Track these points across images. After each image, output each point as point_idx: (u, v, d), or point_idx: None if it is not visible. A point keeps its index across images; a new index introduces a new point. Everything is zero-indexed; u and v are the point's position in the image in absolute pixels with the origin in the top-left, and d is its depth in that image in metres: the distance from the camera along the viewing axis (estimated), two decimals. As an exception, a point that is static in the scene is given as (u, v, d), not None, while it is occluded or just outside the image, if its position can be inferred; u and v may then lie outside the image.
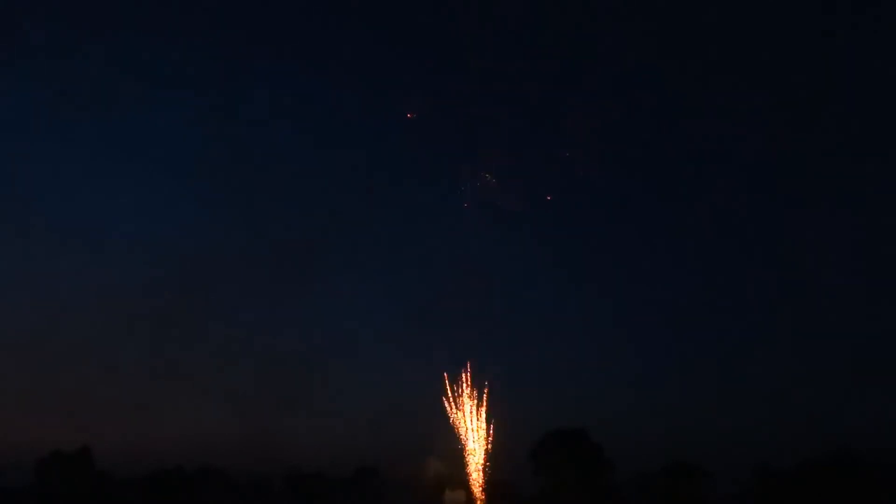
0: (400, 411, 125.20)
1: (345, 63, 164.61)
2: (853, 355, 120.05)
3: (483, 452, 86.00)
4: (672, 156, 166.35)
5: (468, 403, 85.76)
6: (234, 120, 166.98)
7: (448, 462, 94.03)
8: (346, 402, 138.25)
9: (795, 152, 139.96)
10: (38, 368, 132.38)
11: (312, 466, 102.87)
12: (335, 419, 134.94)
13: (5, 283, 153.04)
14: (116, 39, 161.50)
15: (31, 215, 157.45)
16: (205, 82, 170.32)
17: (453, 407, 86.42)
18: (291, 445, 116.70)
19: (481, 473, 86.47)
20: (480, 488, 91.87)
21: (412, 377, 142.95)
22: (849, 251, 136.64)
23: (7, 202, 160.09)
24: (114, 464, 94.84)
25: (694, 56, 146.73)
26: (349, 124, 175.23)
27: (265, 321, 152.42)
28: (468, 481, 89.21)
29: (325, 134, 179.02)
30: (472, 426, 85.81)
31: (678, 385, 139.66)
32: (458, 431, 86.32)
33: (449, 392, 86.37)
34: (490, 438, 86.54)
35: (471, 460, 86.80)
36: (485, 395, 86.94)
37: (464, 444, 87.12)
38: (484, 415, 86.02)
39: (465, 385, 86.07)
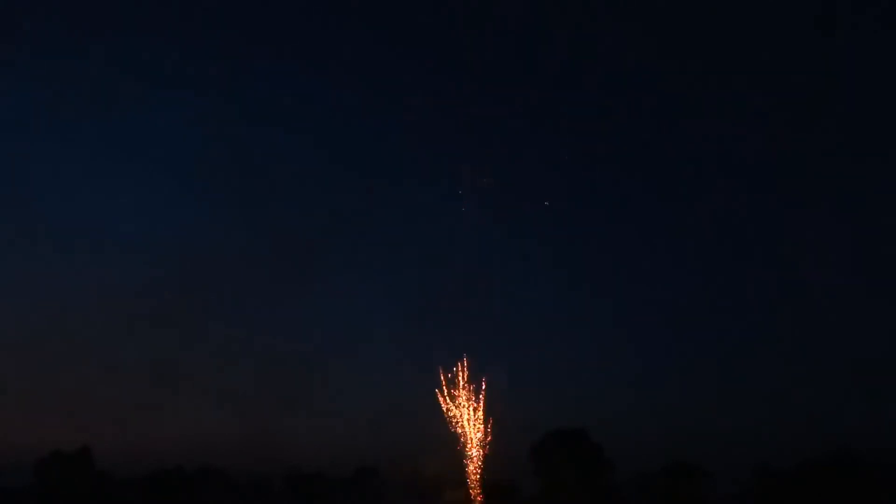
0: (400, 411, 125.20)
1: (345, 63, 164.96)
2: (853, 355, 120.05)
3: (477, 446, 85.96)
4: (672, 156, 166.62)
5: (464, 397, 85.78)
6: (234, 120, 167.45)
7: (447, 461, 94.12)
8: (346, 402, 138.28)
9: (795, 152, 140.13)
10: (38, 368, 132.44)
11: (312, 466, 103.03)
12: (335, 419, 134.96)
13: (5, 283, 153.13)
14: (116, 39, 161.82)
15: (31, 215, 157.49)
16: (205, 82, 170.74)
17: (448, 402, 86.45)
18: (291, 445, 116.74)
19: (479, 470, 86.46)
20: (478, 487, 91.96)
21: (412, 377, 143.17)
22: (849, 251, 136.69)
23: (7, 202, 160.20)
24: (114, 464, 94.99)
25: (694, 56, 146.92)
26: (349, 124, 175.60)
27: (265, 321, 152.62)
28: (467, 480, 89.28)
29: (325, 134, 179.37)
30: (469, 420, 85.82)
31: (678, 385, 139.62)
32: (454, 424, 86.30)
33: (444, 387, 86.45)
34: (489, 437, 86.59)
35: (469, 459, 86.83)
36: (482, 391, 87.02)
37: (462, 442, 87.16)
38: (481, 410, 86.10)
39: (461, 380, 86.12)
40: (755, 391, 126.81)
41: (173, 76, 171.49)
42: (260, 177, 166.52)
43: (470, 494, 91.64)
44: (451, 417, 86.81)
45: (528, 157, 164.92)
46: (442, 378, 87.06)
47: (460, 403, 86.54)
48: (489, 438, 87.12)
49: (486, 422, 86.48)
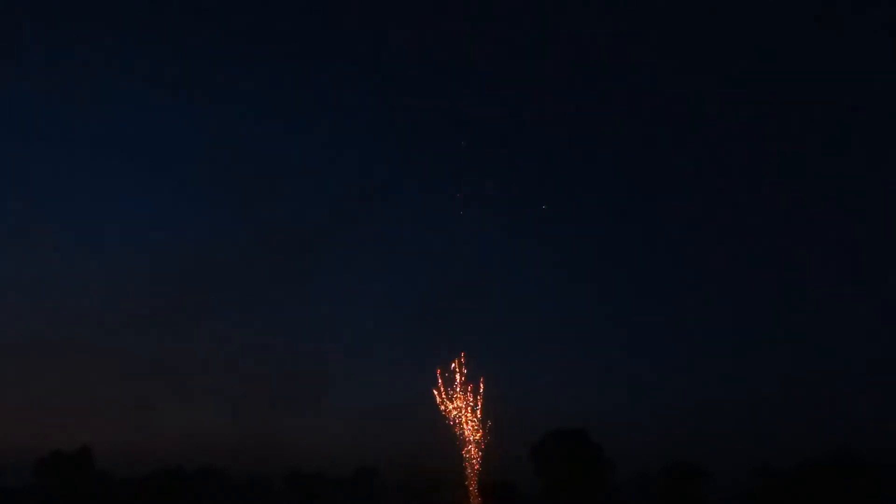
0: (400, 411, 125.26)
1: (345, 64, 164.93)
2: (853, 355, 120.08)
3: (476, 446, 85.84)
4: (672, 156, 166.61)
5: (461, 397, 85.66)
6: (233, 121, 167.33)
7: (447, 461, 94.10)
8: (346, 402, 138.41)
9: (795, 152, 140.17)
10: (38, 368, 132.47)
11: (312, 466, 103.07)
12: (335, 419, 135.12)
13: (5, 284, 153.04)
14: (116, 40, 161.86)
15: (31, 215, 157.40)
16: (205, 83, 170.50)
17: (446, 402, 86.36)
18: (291, 445, 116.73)
19: (477, 470, 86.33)
20: (477, 487, 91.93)
21: (412, 377, 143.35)
22: (849, 251, 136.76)
23: (7, 202, 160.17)
24: (114, 464, 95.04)
25: (694, 56, 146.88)
26: (350, 125, 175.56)
27: (265, 321, 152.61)
28: (466, 480, 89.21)
29: (326, 134, 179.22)
30: (468, 420, 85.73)
31: (678, 385, 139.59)
32: (452, 424, 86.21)
33: (442, 387, 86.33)
34: (487, 434, 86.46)
35: (468, 458, 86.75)
36: (480, 392, 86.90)
37: (460, 442, 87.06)
38: (479, 410, 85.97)
39: (457, 380, 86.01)
40: (755, 391, 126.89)
41: (173, 77, 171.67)
42: (259, 177, 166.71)
43: (469, 494, 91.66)
44: (449, 417, 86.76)
45: (529, 158, 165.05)
46: (440, 378, 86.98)
47: (458, 403, 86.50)
48: (488, 438, 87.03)
49: (483, 422, 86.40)
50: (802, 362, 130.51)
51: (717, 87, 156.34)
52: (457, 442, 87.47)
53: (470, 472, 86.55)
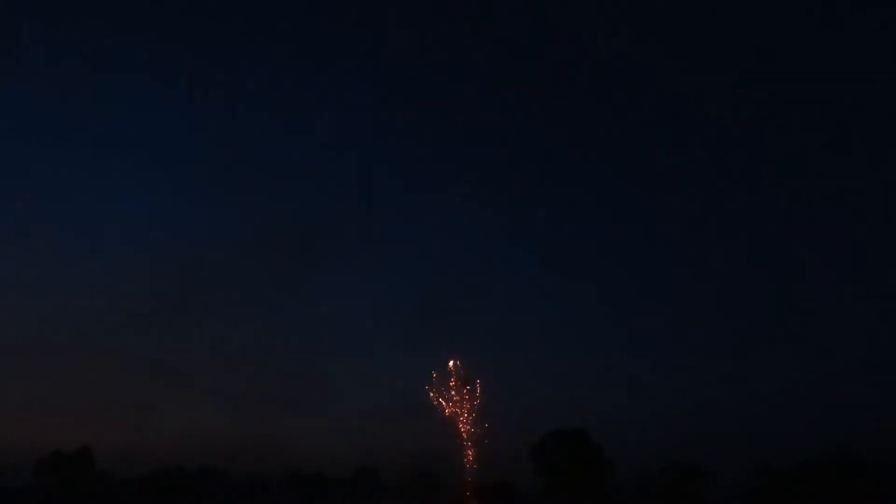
0: (400, 411, 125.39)
1: (345, 64, 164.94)
2: (853, 355, 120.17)
3: (474, 445, 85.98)
4: (672, 156, 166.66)
5: (459, 397, 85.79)
6: (234, 121, 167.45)
7: (446, 461, 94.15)
8: (346, 402, 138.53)
9: (795, 152, 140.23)
10: (38, 368, 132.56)
11: (312, 466, 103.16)
12: (335, 419, 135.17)
13: (5, 284, 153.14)
14: (116, 40, 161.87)
15: (31, 215, 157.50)
16: (205, 84, 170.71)
17: (445, 402, 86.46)
18: (291, 445, 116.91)
19: (475, 469, 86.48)
20: (476, 487, 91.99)
21: (412, 377, 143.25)
22: (849, 251, 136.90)
23: (7, 202, 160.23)
24: (114, 464, 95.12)
25: (694, 56, 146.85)
26: (350, 125, 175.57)
27: (265, 321, 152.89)
28: (465, 480, 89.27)
29: (326, 135, 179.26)
30: (466, 421, 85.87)
31: (678, 385, 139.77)
32: (451, 424, 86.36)
33: (441, 388, 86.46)
34: (485, 434, 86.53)
35: (466, 458, 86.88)
36: (477, 393, 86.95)
37: (460, 441, 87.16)
38: (477, 409, 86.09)
39: (453, 381, 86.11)
40: (755, 391, 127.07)
41: (173, 77, 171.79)
42: (259, 177, 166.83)
43: (468, 494, 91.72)
44: (448, 417, 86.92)
45: (529, 158, 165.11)
46: (439, 379, 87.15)
47: (456, 403, 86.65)
48: (485, 441, 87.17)
49: (482, 421, 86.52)
50: (802, 362, 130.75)
51: (717, 87, 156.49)
52: (456, 441, 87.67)
53: (469, 471, 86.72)
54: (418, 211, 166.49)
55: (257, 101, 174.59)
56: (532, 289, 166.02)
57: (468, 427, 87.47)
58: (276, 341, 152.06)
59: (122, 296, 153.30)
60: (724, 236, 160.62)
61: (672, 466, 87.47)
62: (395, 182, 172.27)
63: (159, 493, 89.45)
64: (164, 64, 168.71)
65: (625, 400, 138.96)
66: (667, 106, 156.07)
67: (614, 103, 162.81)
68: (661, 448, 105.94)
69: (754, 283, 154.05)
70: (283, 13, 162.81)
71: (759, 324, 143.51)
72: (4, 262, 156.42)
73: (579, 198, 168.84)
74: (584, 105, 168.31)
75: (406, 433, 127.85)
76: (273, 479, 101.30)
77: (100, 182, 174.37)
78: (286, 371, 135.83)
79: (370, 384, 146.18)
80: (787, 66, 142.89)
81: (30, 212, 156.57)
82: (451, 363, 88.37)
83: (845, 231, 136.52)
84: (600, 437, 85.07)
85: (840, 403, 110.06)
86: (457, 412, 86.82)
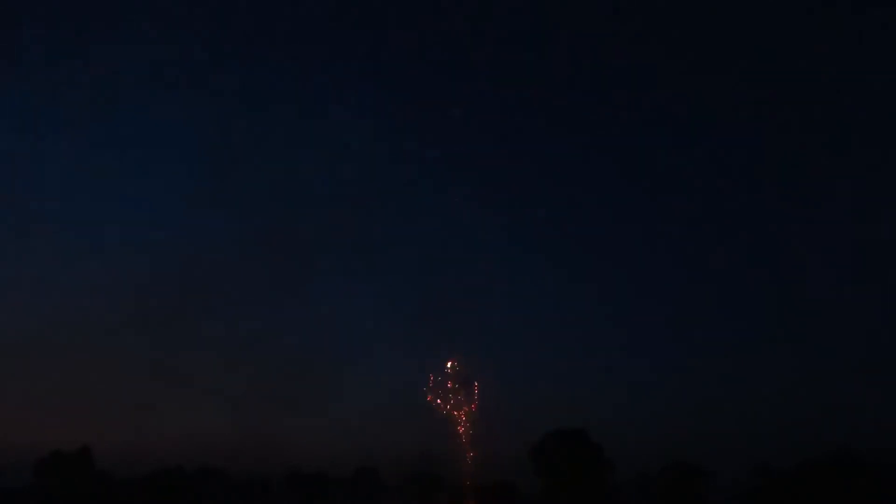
0: (400, 411, 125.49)
1: (344, 65, 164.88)
2: (853, 355, 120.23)
3: (472, 445, 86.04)
4: (672, 157, 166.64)
5: (456, 398, 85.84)
6: (234, 121, 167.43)
7: (446, 461, 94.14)
8: (347, 402, 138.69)
9: (795, 152, 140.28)
10: (38, 368, 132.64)
11: (312, 466, 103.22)
12: (335, 419, 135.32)
13: (5, 283, 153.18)
14: (116, 40, 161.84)
15: (31, 215, 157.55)
16: (205, 84, 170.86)
17: (444, 402, 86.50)
18: (291, 445, 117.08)
19: (474, 469, 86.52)
20: (475, 486, 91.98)
21: (412, 378, 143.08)
22: (849, 251, 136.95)
23: (7, 202, 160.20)
24: (114, 464, 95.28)
25: (694, 57, 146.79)
26: (349, 125, 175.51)
27: (265, 322, 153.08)
28: (464, 480, 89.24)
29: (325, 135, 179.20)
30: (464, 421, 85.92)
31: (678, 385, 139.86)
32: (450, 424, 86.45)
33: (440, 388, 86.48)
34: (484, 434, 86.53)
35: (466, 458, 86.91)
36: (475, 394, 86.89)
37: (459, 441, 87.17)
38: (475, 408, 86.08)
39: (450, 383, 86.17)
40: (755, 391, 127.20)
41: (173, 77, 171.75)
42: (259, 177, 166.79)
43: (467, 494, 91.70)
44: (447, 417, 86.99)
45: (529, 158, 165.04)
46: (439, 379, 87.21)
47: (455, 404, 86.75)
48: (485, 439, 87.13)
49: (481, 421, 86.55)
50: (802, 362, 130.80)
51: (717, 87, 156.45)
52: (456, 441, 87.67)
53: (469, 472, 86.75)
54: (418, 211, 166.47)
55: (257, 101, 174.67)
56: (532, 289, 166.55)
57: (468, 427, 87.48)
58: (276, 341, 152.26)
59: (122, 296, 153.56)
60: (724, 236, 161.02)
61: (672, 466, 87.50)
62: (395, 182, 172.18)
63: (159, 493, 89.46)
64: (164, 64, 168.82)
65: (625, 400, 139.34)
66: (667, 106, 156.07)
67: (614, 103, 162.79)
68: (661, 448, 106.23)
69: (754, 283, 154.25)
70: (283, 14, 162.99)
71: (759, 324, 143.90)
72: (4, 262, 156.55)
73: (579, 198, 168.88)
74: (584, 105, 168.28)
75: (406, 433, 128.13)
76: (273, 479, 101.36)
77: (100, 182, 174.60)
78: (286, 371, 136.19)
79: (370, 384, 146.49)
80: (787, 66, 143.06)
81: (30, 212, 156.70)
82: (448, 364, 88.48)
83: (845, 231, 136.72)
84: (600, 437, 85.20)
85: (840, 403, 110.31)
86: (456, 412, 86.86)
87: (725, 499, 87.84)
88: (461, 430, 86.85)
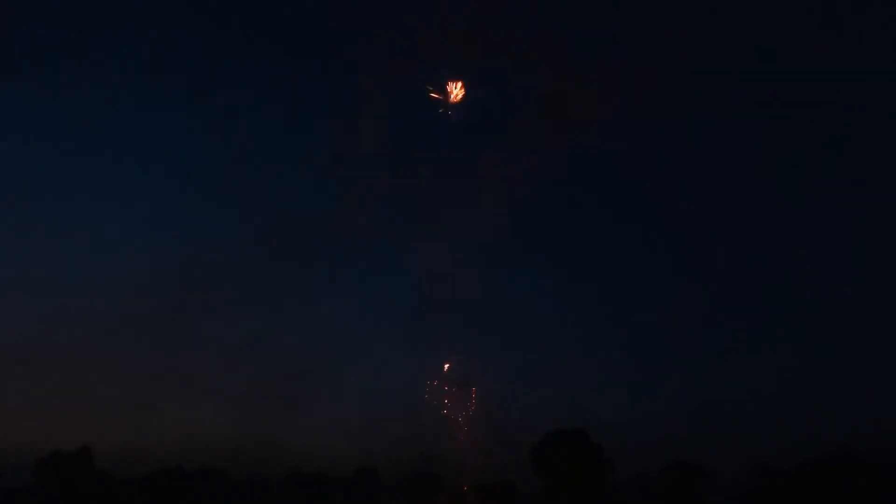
0: (400, 411, 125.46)
1: (343, 65, 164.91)
2: (853, 355, 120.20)
3: (471, 445, 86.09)
4: (672, 156, 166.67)
5: (458, 397, 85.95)
6: (234, 121, 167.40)
7: (446, 461, 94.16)
8: (347, 402, 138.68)
9: (795, 152, 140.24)
10: (38, 368, 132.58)
11: (312, 466, 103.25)
12: (335, 419, 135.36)
13: (5, 283, 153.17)
14: (116, 40, 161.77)
15: (31, 215, 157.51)
16: (205, 84, 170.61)
17: (440, 401, 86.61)
18: (291, 445, 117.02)
19: (474, 469, 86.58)
20: (475, 485, 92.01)
21: (412, 378, 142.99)
22: (849, 251, 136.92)
23: (7, 202, 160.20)
24: (114, 464, 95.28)
25: (694, 56, 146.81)
26: (350, 125, 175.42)
27: (265, 322, 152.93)
28: (465, 479, 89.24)
29: (326, 134, 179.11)
30: (464, 420, 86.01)
31: (678, 385, 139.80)
32: (450, 424, 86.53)
33: (439, 388, 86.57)
34: (483, 432, 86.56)
35: (465, 457, 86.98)
36: (473, 395, 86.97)
37: (459, 441, 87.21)
38: (474, 408, 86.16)
39: (449, 381, 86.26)
40: (755, 391, 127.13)
41: (173, 77, 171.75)
42: (259, 178, 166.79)
43: (467, 494, 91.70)
44: (447, 417, 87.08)
45: (528, 158, 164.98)
46: (438, 380, 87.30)
47: (455, 404, 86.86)
48: (485, 438, 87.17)
49: (480, 421, 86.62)
50: (802, 362, 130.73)
51: (718, 88, 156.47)
52: (456, 441, 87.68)
53: (469, 472, 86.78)
54: (419, 212, 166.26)
55: (257, 101, 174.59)
56: (532, 289, 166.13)
57: (467, 427, 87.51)
58: (276, 341, 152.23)
59: (122, 296, 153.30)
60: (724, 236, 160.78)
61: (672, 466, 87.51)
62: (394, 183, 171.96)
63: (159, 493, 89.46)
64: (163, 64, 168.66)
65: (625, 400, 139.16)
66: (667, 106, 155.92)
67: (614, 103, 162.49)
68: (661, 448, 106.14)
69: (754, 283, 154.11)
70: (282, 13, 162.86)
71: (759, 324, 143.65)
72: (4, 262, 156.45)
73: (579, 198, 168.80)
74: (584, 105, 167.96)
75: (406, 433, 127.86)
76: (273, 479, 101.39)
77: (100, 182, 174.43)
78: (286, 371, 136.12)
79: (370, 384, 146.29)
80: (787, 66, 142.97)
81: (30, 212, 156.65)
82: (448, 364, 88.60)
83: (845, 231, 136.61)
84: (600, 437, 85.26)
85: (840, 403, 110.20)
86: (456, 412, 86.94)
87: (725, 499, 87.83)
88: (461, 429, 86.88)
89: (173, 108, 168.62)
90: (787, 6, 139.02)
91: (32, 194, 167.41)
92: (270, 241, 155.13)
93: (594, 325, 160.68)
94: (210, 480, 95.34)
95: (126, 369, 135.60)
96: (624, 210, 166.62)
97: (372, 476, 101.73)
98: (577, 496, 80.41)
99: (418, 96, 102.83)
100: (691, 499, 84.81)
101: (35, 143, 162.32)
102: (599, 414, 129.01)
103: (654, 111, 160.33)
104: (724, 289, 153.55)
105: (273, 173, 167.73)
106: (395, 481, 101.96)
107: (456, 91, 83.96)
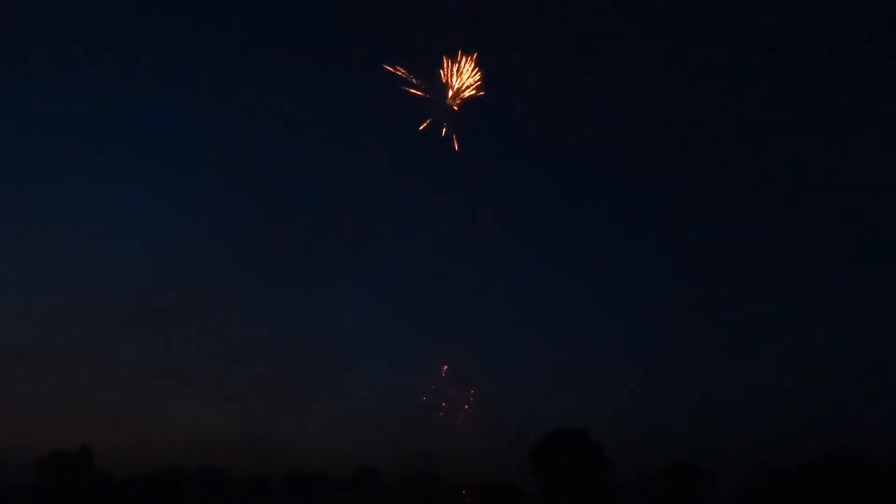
0: (400, 411, 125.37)
1: (343, 64, 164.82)
2: (853, 355, 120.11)
3: (471, 444, 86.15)
4: (671, 155, 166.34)
5: (455, 398, 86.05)
6: (233, 121, 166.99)
7: (446, 461, 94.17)
8: (346, 402, 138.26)
9: (795, 152, 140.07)
10: (38, 368, 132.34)
11: (312, 466, 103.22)
12: (335, 419, 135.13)
13: (5, 284, 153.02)
14: (117, 40, 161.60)
15: (32, 216, 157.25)
16: (205, 83, 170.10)
17: (439, 403, 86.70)
18: (291, 445, 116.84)
19: (474, 468, 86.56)
20: (475, 485, 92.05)
21: (412, 377, 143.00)
22: (848, 251, 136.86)
23: (7, 202, 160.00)
24: (114, 464, 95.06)
25: (694, 56, 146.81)
26: (349, 126, 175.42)
27: (265, 322, 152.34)
28: (465, 479, 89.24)
29: (325, 135, 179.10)
30: (463, 419, 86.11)
31: (678, 385, 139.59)
32: (448, 419, 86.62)
33: (438, 386, 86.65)
34: (482, 432, 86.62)
35: (466, 457, 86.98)
36: (471, 395, 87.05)
37: (459, 441, 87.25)
38: (474, 409, 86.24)
39: (448, 381, 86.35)
40: (755, 391, 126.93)
41: (174, 77, 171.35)
42: (259, 177, 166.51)
43: (467, 494, 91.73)
44: (447, 417, 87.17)
45: (528, 158, 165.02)
46: (438, 379, 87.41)
47: (455, 403, 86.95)
48: (485, 438, 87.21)
49: (480, 420, 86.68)
50: (802, 362, 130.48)
51: (717, 87, 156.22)
52: (456, 442, 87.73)
53: (468, 472, 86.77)
54: (419, 212, 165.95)
55: (257, 100, 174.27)
56: (531, 289, 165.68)
57: (467, 427, 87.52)
58: (277, 341, 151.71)
59: (123, 296, 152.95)
60: (723, 236, 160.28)
61: (672, 466, 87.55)
62: (394, 182, 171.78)
63: (159, 493, 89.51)
64: (164, 64, 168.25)
65: (625, 400, 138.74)
66: (666, 105, 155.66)
67: (613, 103, 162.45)
68: (661, 448, 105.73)
69: (754, 283, 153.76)
70: (283, 13, 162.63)
71: (759, 324, 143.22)
72: (4, 262, 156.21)
73: (578, 198, 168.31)
74: (583, 105, 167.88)
75: (406, 433, 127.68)
76: (273, 479, 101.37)
77: (100, 182, 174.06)
78: (286, 371, 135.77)
79: (370, 384, 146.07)
80: (787, 66, 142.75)
81: (30, 212, 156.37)
82: (448, 364, 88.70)
83: (845, 231, 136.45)
84: (600, 437, 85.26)
85: (840, 403, 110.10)
86: (456, 412, 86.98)
87: (725, 499, 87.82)
88: (461, 429, 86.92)
89: (173, 108, 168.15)
90: (787, 6, 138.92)
91: (32, 194, 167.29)
92: (270, 241, 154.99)
93: (594, 325, 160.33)
94: (210, 480, 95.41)
95: (126, 369, 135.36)
96: (624, 210, 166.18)
97: (372, 476, 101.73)
98: (577, 496, 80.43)
99: (418, 96, 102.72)
100: (691, 499, 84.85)
101: (35, 144, 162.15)
102: (599, 414, 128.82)
103: (655, 111, 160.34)
104: (724, 289, 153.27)
105: (273, 173, 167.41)
106: (395, 481, 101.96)
107: (458, 89, 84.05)
